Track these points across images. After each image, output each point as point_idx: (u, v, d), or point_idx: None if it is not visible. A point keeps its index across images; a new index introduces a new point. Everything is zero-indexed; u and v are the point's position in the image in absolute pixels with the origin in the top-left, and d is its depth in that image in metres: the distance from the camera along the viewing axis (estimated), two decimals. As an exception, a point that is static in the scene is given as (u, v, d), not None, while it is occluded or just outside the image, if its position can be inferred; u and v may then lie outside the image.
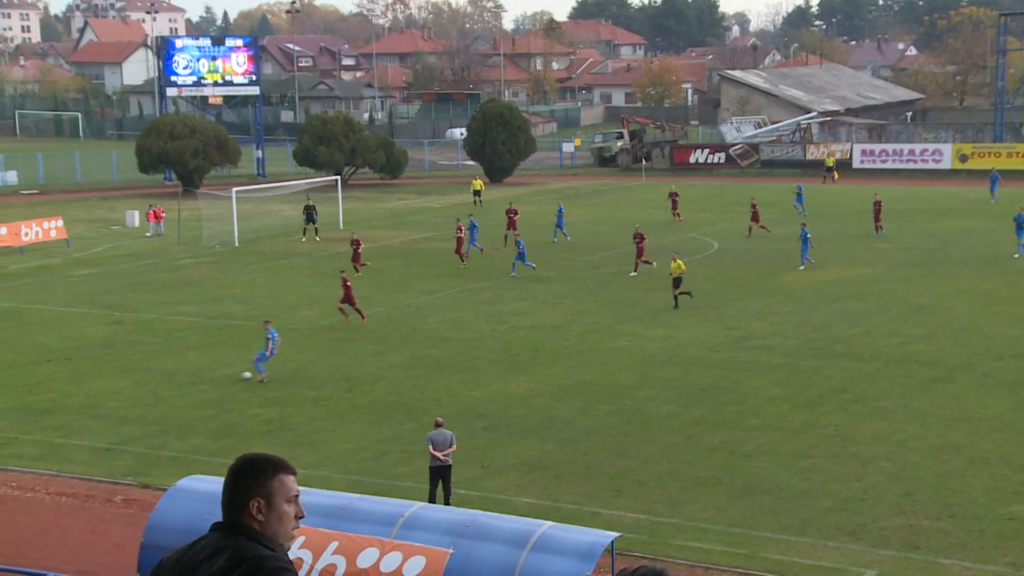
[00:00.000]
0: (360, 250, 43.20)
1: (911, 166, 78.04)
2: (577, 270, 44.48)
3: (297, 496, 4.29)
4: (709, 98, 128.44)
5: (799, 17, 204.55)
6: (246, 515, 4.20)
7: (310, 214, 52.20)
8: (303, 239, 51.88)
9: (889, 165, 78.57)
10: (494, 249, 48.57)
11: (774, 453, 23.54)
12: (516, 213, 50.41)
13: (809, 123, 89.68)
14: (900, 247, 48.70)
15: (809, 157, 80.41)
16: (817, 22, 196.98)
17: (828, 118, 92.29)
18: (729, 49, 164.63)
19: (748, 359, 30.91)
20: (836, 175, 74.79)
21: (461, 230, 46.00)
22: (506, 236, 49.16)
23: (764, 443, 24.17)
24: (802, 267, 43.14)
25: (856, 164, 79.23)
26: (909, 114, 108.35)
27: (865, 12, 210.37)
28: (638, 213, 59.87)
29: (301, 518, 4.31)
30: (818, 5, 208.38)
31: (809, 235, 43.97)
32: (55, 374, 30.24)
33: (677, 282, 37.17)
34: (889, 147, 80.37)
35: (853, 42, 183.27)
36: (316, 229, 52.10)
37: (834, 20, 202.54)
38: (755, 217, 51.44)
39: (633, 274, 42.45)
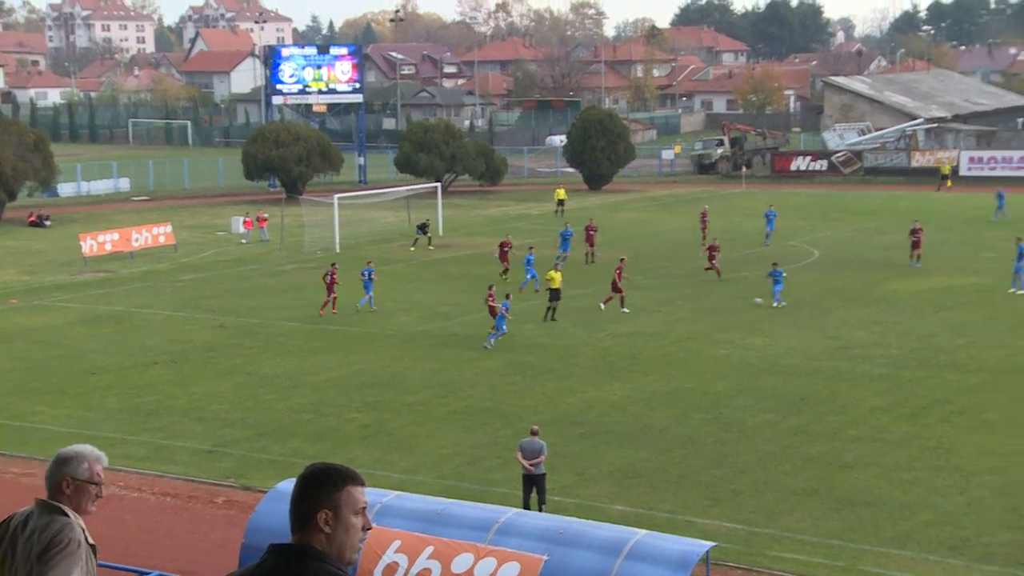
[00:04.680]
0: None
1: (1021, 173, 75.90)
2: (675, 277, 44.23)
3: (365, 508, 4.22)
4: (812, 105, 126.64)
5: (906, 22, 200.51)
6: (313, 526, 4.15)
7: (424, 228, 52.85)
8: (412, 248, 52.26)
9: (998, 172, 76.45)
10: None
11: (874, 464, 23.15)
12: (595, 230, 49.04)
13: (915, 130, 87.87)
14: (1008, 256, 47.39)
15: (914, 164, 78.71)
16: (925, 27, 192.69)
17: (935, 124, 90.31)
18: (833, 55, 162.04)
19: (849, 369, 30.43)
20: (949, 183, 72.92)
21: (509, 244, 45.94)
22: (590, 253, 48.19)
23: (864, 454, 23.79)
24: (775, 305, 37.71)
25: (964, 171, 77.32)
26: (1021, 120, 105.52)
27: (976, 16, 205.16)
28: (738, 221, 59.35)
29: (368, 530, 4.23)
30: (927, 10, 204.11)
31: (785, 275, 38.47)
32: (161, 376, 30.99)
33: (555, 294, 36.36)
34: (998, 154, 78.36)
35: (963, 47, 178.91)
36: (429, 238, 52.70)
37: (943, 25, 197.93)
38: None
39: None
